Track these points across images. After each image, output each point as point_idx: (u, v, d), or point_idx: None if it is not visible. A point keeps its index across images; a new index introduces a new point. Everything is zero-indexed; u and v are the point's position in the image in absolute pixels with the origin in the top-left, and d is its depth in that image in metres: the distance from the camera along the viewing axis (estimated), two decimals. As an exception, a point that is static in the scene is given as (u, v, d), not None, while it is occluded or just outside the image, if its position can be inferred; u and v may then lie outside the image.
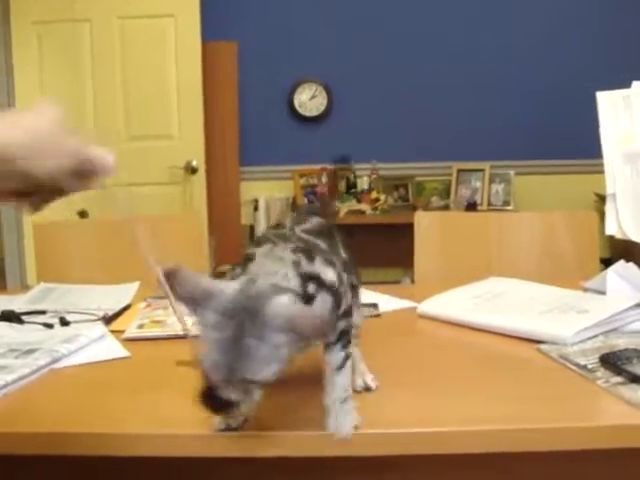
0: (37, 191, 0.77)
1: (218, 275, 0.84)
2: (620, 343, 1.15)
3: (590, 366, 1.05)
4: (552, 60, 4.33)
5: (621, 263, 1.49)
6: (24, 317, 1.41)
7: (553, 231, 2.00)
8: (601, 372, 1.03)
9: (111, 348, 1.24)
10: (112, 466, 1.00)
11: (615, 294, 1.41)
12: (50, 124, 0.75)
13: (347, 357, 0.87)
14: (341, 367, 0.87)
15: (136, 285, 1.68)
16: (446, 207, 4.31)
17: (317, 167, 4.32)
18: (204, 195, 3.98)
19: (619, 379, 0.99)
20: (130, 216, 0.84)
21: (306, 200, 4.32)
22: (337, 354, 0.86)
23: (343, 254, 0.95)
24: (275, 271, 0.80)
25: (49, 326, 1.35)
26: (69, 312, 1.45)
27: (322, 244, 0.91)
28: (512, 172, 4.33)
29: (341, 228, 1.00)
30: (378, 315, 1.44)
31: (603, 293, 1.44)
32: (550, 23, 4.34)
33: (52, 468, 1.03)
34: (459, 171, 4.39)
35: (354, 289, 0.95)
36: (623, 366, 1.01)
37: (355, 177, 4.40)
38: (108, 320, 1.42)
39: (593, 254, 1.94)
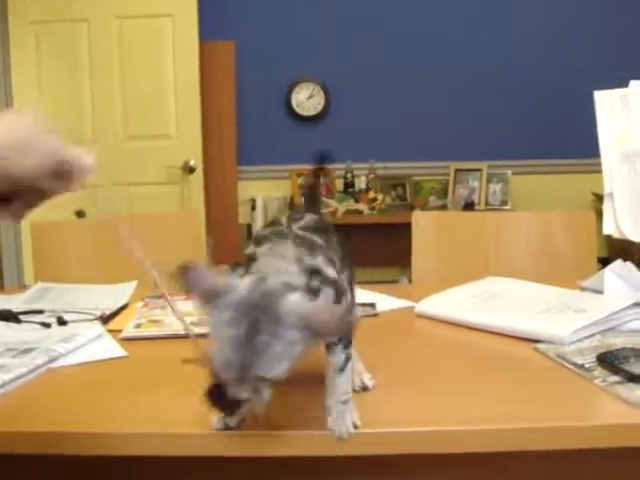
0: (17, 196, 0.77)
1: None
2: (617, 342, 1.15)
3: (587, 365, 1.05)
4: (549, 60, 4.33)
5: (619, 262, 1.49)
6: (21, 316, 1.41)
7: (550, 230, 2.00)
8: (598, 371, 1.03)
9: (108, 348, 1.24)
10: (110, 466, 1.00)
11: (612, 293, 1.41)
12: (30, 125, 0.75)
13: (348, 358, 0.88)
14: (342, 369, 0.87)
15: (133, 285, 1.67)
16: (444, 207, 4.32)
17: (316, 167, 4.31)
18: (202, 195, 3.98)
19: (616, 378, 0.99)
20: (111, 216, 0.85)
21: (303, 200, 4.31)
22: (339, 355, 0.87)
23: (339, 250, 0.95)
24: (281, 269, 0.81)
25: (46, 325, 1.35)
26: (66, 311, 1.45)
27: (319, 240, 0.91)
28: (509, 172, 4.33)
29: (339, 228, 1.00)
30: (376, 314, 1.44)
31: (600, 292, 1.44)
32: (548, 23, 4.34)
33: (50, 467, 1.03)
34: (457, 171, 4.39)
35: (351, 285, 0.95)
36: (620, 365, 1.01)
37: (353, 177, 4.40)
38: (105, 320, 1.41)
39: (591, 253, 1.94)
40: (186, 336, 0.89)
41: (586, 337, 1.18)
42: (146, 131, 3.93)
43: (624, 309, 1.24)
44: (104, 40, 3.88)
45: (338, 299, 0.84)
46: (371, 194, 4.32)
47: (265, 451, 0.88)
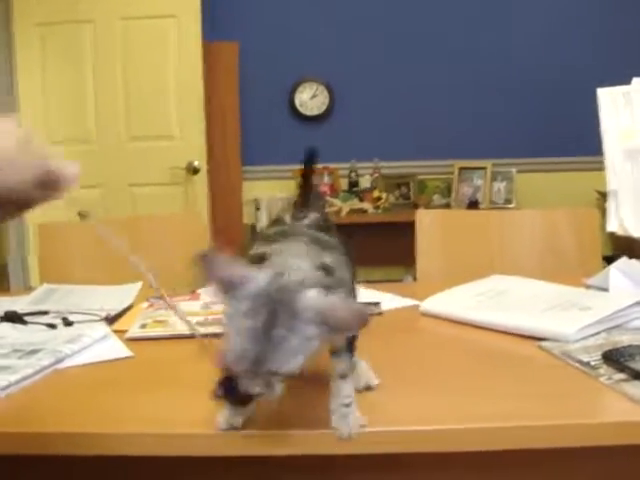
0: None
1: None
2: (623, 340, 1.15)
3: (593, 363, 1.05)
4: (553, 58, 4.32)
5: (624, 260, 1.49)
6: (27, 318, 1.41)
7: (555, 229, 2.00)
8: (604, 369, 1.03)
9: (114, 348, 1.24)
10: (115, 466, 1.00)
11: (618, 291, 1.41)
12: (16, 138, 0.76)
13: (352, 364, 0.89)
14: (346, 375, 0.88)
15: (138, 285, 1.68)
16: (448, 205, 4.32)
17: (318, 166, 4.32)
18: (206, 195, 3.98)
19: (622, 376, 0.99)
20: (96, 220, 0.85)
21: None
22: (343, 361, 0.87)
23: (342, 248, 0.95)
24: (296, 266, 0.81)
25: (52, 326, 1.35)
26: (72, 312, 1.45)
27: (327, 238, 0.91)
28: (514, 170, 4.32)
29: (343, 227, 1.00)
30: (380, 313, 1.44)
31: (606, 290, 1.44)
32: (551, 21, 4.33)
33: (56, 468, 1.03)
34: (461, 169, 4.39)
35: (353, 284, 0.95)
36: (626, 363, 1.01)
37: (357, 176, 4.40)
38: (111, 320, 1.42)
39: (595, 251, 1.94)
40: (191, 336, 0.89)
41: (591, 335, 1.18)
42: (150, 132, 3.93)
43: (629, 307, 1.24)
44: (108, 41, 3.89)
45: (351, 297, 0.85)
46: (375, 193, 4.32)
47: (270, 450, 0.89)
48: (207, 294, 1.57)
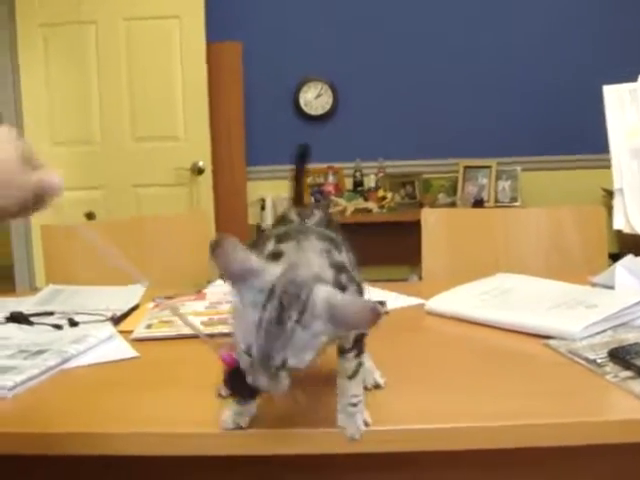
0: None
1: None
2: (629, 337, 1.15)
3: (599, 361, 1.05)
4: (557, 56, 4.31)
5: (630, 257, 1.48)
6: (33, 318, 1.41)
7: (561, 227, 1.99)
8: (610, 367, 1.03)
9: (120, 348, 1.24)
10: (121, 465, 1.00)
11: (624, 288, 1.40)
12: (12, 160, 0.76)
13: (360, 365, 0.88)
14: (354, 375, 0.87)
15: (147, 284, 1.67)
16: (453, 204, 4.31)
17: (323, 166, 4.32)
18: (211, 196, 3.98)
19: (628, 373, 0.99)
20: (79, 223, 0.86)
21: (313, 199, 4.32)
22: (351, 362, 0.87)
23: (349, 245, 0.95)
24: (311, 261, 0.80)
25: (58, 327, 1.35)
26: (77, 313, 1.45)
27: (335, 235, 0.91)
28: (519, 168, 4.32)
29: (348, 227, 1.00)
30: (386, 312, 1.44)
31: (612, 288, 1.43)
32: (554, 18, 4.32)
33: (62, 468, 1.03)
34: (466, 168, 4.38)
35: None
36: (632, 360, 1.01)
37: (362, 175, 4.40)
38: (116, 320, 1.42)
39: (601, 249, 1.93)
40: (196, 336, 0.89)
41: (597, 333, 1.18)
42: (154, 132, 3.94)
43: (635, 304, 1.24)
44: (112, 42, 3.90)
45: (362, 296, 0.85)
46: (380, 192, 4.32)
47: (274, 450, 0.89)
48: (213, 293, 1.58)
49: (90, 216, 3.66)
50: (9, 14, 3.91)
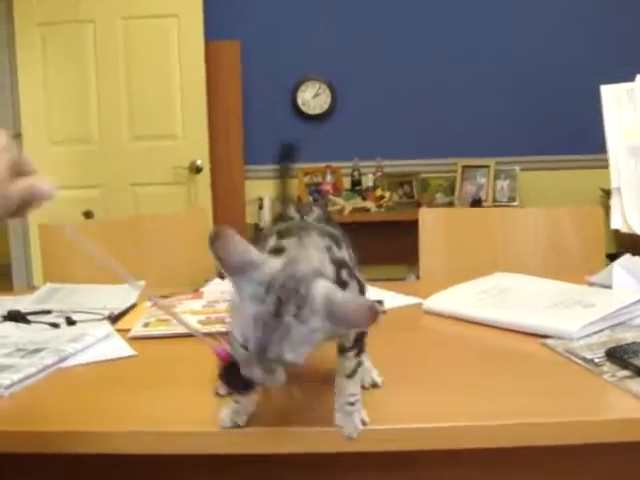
0: None
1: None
2: (626, 337, 1.15)
3: (596, 360, 1.05)
4: (555, 55, 4.31)
5: (627, 257, 1.49)
6: (30, 317, 1.41)
7: (559, 226, 1.99)
8: (607, 366, 1.03)
9: (117, 347, 1.24)
10: (119, 464, 1.00)
11: (621, 288, 1.41)
12: (3, 168, 0.77)
13: (359, 364, 0.88)
14: (352, 374, 0.87)
15: (141, 284, 1.67)
16: (451, 204, 4.31)
17: (321, 165, 4.32)
18: (209, 194, 3.98)
19: (626, 373, 0.99)
20: (64, 222, 0.86)
21: (311, 198, 4.32)
22: (351, 361, 0.87)
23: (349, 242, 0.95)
24: (312, 257, 0.80)
25: (55, 326, 1.35)
26: (75, 312, 1.45)
27: (336, 232, 0.91)
28: (517, 168, 4.32)
29: (346, 226, 1.00)
30: (384, 312, 1.44)
31: (609, 287, 1.43)
32: (552, 17, 4.32)
33: (60, 466, 1.03)
34: (464, 167, 4.38)
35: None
36: (630, 360, 1.01)
37: (360, 174, 4.40)
38: (114, 319, 1.42)
39: (599, 249, 1.94)
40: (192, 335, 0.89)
41: (595, 332, 1.18)
42: (152, 131, 3.93)
43: (633, 304, 1.24)
44: (110, 41, 3.89)
45: (362, 293, 0.86)
46: (378, 192, 4.32)
47: (272, 448, 0.89)
48: (211, 292, 1.58)
49: (88, 215, 3.66)
50: (7, 13, 3.90)
